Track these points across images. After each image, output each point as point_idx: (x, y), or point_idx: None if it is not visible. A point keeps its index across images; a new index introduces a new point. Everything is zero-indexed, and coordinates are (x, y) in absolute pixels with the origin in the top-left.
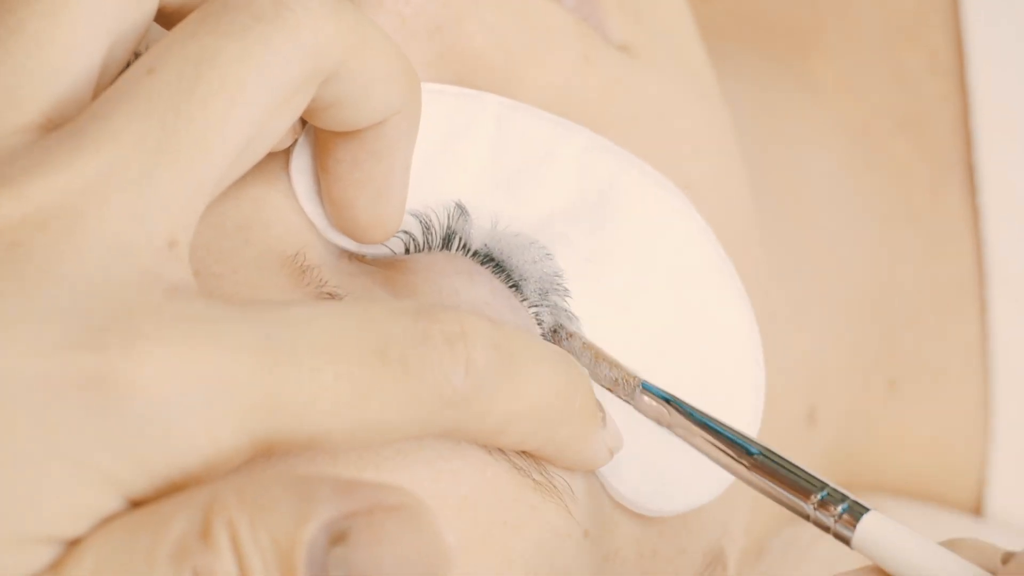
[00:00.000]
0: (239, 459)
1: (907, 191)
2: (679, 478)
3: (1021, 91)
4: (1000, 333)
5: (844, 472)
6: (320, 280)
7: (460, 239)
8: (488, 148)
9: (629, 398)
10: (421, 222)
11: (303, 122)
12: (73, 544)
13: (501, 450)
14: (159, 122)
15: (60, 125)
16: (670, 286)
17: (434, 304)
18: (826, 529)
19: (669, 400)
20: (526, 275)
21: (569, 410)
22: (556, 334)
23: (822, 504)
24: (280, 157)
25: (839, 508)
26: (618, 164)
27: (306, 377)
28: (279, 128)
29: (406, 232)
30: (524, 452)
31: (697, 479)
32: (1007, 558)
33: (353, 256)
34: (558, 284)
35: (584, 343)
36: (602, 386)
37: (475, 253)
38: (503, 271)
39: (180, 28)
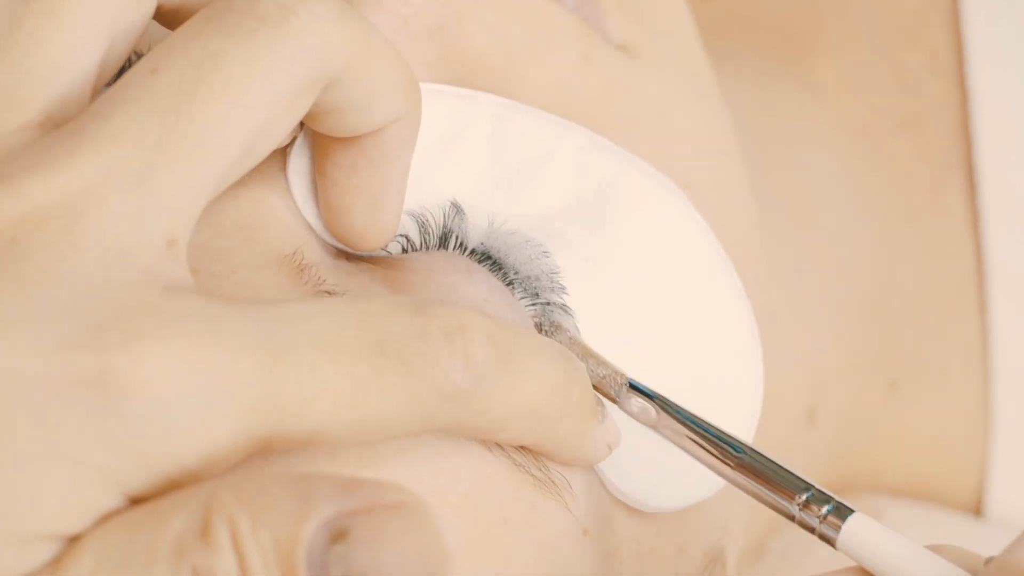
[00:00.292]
0: (238, 456)
1: (907, 191)
2: (678, 474)
3: (1021, 91)
4: (1000, 333)
5: (844, 472)
6: (318, 278)
7: (457, 238)
8: (486, 148)
9: (616, 396)
10: (418, 222)
11: (301, 123)
12: (72, 541)
13: (500, 447)
14: (160, 122)
15: (59, 124)
16: (669, 286)
17: (432, 299)
18: (811, 530)
19: (655, 399)
20: (522, 272)
21: (568, 405)
22: (541, 328)
23: (807, 505)
24: (278, 158)
25: (824, 509)
26: (617, 164)
27: (306, 374)
28: (280, 131)
29: (402, 234)
30: (523, 448)
31: (696, 475)
32: (989, 561)
33: (351, 255)
34: (555, 281)
35: (572, 339)
36: None
37: (472, 252)
38: (500, 269)
39: (183, 29)
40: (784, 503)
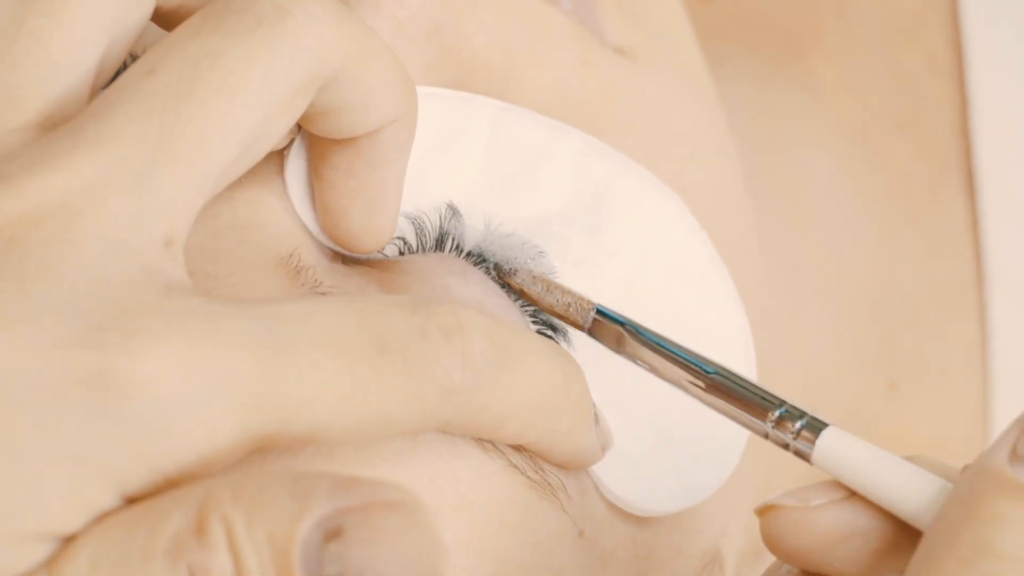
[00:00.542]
0: (237, 456)
1: (906, 192)
2: (672, 478)
3: (1021, 92)
4: (1000, 333)
5: None
6: (315, 280)
7: (453, 240)
8: (482, 151)
9: (584, 323)
10: (414, 224)
11: (299, 126)
12: (69, 540)
13: (498, 448)
14: (158, 122)
15: (58, 124)
16: (664, 289)
17: (430, 298)
18: (785, 447)
19: (624, 324)
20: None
21: (566, 402)
22: (500, 269)
23: (781, 422)
24: (275, 159)
25: (797, 424)
26: (614, 167)
27: (306, 372)
28: (277, 131)
29: (399, 236)
30: (520, 450)
31: (690, 479)
32: (966, 468)
33: (347, 257)
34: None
35: (533, 275)
36: (556, 314)
37: (468, 254)
38: (496, 271)
39: (181, 29)
40: (757, 421)
